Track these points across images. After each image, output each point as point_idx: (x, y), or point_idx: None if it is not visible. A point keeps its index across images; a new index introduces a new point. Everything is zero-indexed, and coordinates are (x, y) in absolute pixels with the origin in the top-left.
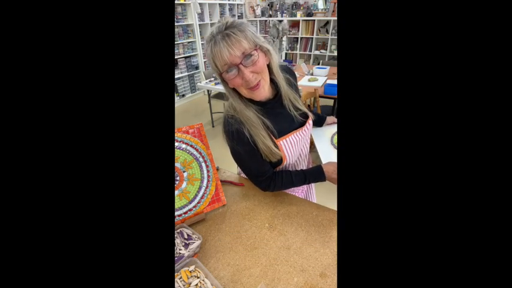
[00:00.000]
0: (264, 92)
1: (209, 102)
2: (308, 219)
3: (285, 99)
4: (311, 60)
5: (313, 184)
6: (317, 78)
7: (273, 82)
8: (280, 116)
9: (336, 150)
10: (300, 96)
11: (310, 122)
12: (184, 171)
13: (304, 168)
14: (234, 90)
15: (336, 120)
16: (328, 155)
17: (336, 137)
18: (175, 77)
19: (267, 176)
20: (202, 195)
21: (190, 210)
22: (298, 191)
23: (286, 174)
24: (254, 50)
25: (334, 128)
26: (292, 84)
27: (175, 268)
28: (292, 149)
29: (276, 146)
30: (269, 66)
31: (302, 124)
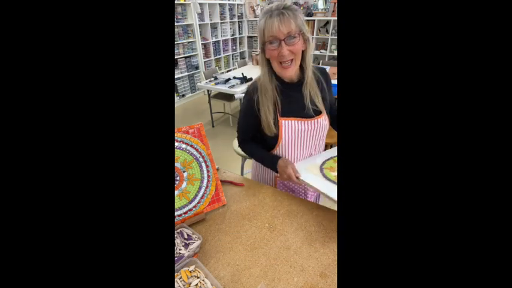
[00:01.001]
0: (291, 73)
1: (209, 102)
2: (308, 219)
3: (305, 88)
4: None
5: None
6: None
7: (301, 70)
8: (294, 100)
9: (320, 179)
10: (326, 100)
11: (320, 120)
12: (184, 171)
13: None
14: (268, 61)
15: None
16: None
17: (326, 170)
18: (175, 77)
19: (244, 138)
20: (202, 195)
21: (190, 210)
22: (313, 194)
23: (255, 147)
24: (297, 34)
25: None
26: (320, 82)
27: (175, 268)
28: (291, 133)
29: (277, 123)
30: (304, 54)
31: (311, 117)
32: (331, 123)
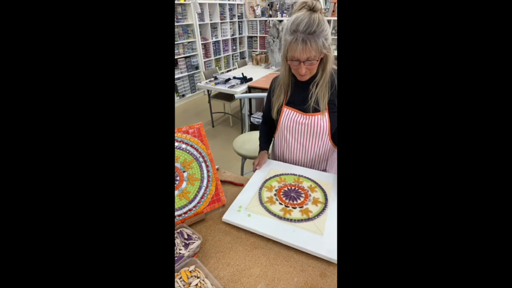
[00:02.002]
0: (305, 79)
1: (209, 102)
2: None
3: (313, 86)
4: None
5: None
6: None
7: (317, 72)
8: (300, 94)
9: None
10: (334, 104)
11: (316, 117)
12: (184, 171)
13: (301, 157)
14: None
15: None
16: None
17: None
18: (175, 77)
19: (264, 118)
20: (202, 195)
21: (190, 210)
22: None
23: (263, 133)
24: (315, 60)
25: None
26: (334, 88)
27: (175, 268)
28: (289, 122)
29: (280, 109)
30: (322, 60)
31: (308, 112)
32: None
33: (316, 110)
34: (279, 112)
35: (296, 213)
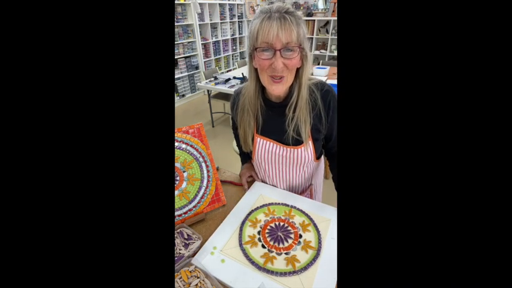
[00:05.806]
0: (281, 91)
1: (209, 102)
2: None
3: (290, 110)
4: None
5: (319, 187)
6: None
7: (291, 88)
8: (275, 121)
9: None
10: (319, 130)
11: (298, 150)
12: (184, 171)
13: (283, 184)
14: (256, 72)
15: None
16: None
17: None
18: (175, 77)
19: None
20: (202, 195)
21: (190, 210)
22: (308, 193)
23: (244, 155)
24: (297, 47)
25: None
26: (317, 110)
27: (175, 268)
28: (265, 154)
29: (252, 139)
30: (299, 72)
31: (288, 144)
32: (328, 159)
33: (297, 142)
34: (252, 141)
35: (280, 262)
